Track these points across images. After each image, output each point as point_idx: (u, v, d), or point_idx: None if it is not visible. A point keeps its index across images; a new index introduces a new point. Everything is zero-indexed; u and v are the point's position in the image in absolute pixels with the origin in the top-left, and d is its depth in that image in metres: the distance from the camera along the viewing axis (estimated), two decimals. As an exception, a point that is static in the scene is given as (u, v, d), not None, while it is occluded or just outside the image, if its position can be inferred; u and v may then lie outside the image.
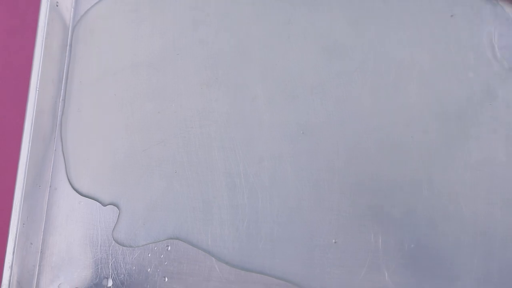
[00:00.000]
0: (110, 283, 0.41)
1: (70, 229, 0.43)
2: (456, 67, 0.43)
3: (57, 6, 0.45)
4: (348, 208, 0.42)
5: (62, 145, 0.44)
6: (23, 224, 0.41)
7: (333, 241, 0.41)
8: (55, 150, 0.44)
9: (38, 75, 0.42)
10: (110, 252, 0.42)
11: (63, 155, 0.44)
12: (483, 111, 0.42)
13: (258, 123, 0.43)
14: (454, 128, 0.42)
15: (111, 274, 0.41)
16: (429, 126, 0.42)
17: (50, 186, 0.43)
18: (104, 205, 0.43)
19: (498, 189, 0.41)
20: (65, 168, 0.44)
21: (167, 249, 0.42)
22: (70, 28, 0.46)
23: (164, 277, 0.41)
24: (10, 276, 0.39)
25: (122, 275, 0.41)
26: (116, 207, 0.43)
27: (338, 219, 0.42)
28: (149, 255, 0.42)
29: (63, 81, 0.45)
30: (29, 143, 0.41)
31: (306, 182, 0.42)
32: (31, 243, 0.41)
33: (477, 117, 0.42)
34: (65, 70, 0.45)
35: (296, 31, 0.45)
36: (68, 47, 0.46)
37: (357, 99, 0.43)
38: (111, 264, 0.42)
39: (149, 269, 0.41)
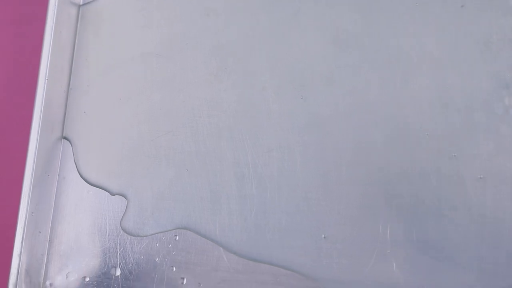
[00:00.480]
0: (118, 272, 0.41)
1: (78, 218, 0.43)
2: (465, 57, 0.43)
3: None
4: (356, 198, 0.42)
5: (70, 134, 0.44)
6: (32, 212, 0.41)
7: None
8: (64, 139, 0.44)
9: (47, 64, 0.42)
10: (119, 241, 0.42)
11: (71, 144, 0.44)
12: (493, 102, 0.42)
13: (267, 114, 0.43)
14: (463, 119, 0.42)
15: (119, 263, 0.42)
16: (438, 117, 0.42)
17: (58, 175, 0.43)
18: (112, 194, 0.43)
19: (507, 180, 0.41)
20: (73, 157, 0.44)
21: (175, 239, 0.42)
22: (79, 17, 0.46)
23: (172, 266, 0.41)
24: (18, 265, 0.40)
25: (130, 264, 0.41)
26: (124, 197, 0.43)
27: (346, 209, 0.42)
28: (157, 244, 0.42)
29: (72, 70, 0.45)
30: (38, 132, 0.41)
31: (314, 173, 0.42)
32: (40, 232, 0.42)
33: (486, 108, 0.42)
34: (73, 60, 0.45)
35: (305, 22, 0.45)
36: (77, 36, 0.46)
37: (366, 90, 0.43)
38: (119, 254, 0.42)
39: (157, 259, 0.41)
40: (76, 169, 0.43)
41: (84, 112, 0.45)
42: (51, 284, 0.42)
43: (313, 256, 0.41)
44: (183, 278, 0.41)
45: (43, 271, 0.42)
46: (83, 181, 0.43)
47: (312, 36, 0.45)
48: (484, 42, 0.43)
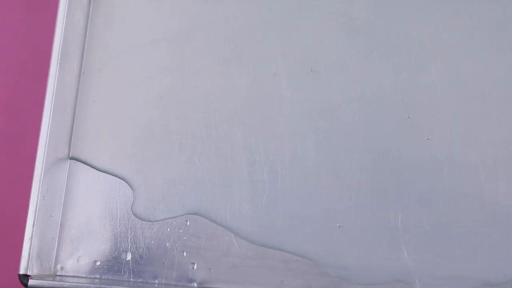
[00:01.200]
0: (129, 257, 0.41)
1: (89, 202, 0.43)
2: (478, 45, 0.43)
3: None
4: (367, 185, 0.42)
5: (81, 119, 0.44)
6: (43, 196, 0.41)
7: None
8: (75, 123, 0.44)
9: (59, 49, 0.42)
10: (129, 226, 0.42)
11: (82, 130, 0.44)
12: (505, 90, 0.42)
13: (279, 100, 0.43)
14: (476, 107, 0.42)
15: (130, 248, 0.42)
16: (451, 105, 0.42)
17: (70, 159, 0.43)
18: (123, 179, 0.43)
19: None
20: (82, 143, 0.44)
21: (186, 224, 0.42)
22: (91, 2, 0.46)
23: (183, 251, 0.41)
24: (30, 248, 0.40)
25: (141, 249, 0.41)
26: (135, 182, 0.43)
27: (357, 196, 0.41)
28: (168, 229, 0.42)
29: (84, 55, 0.45)
30: (50, 115, 0.41)
31: (325, 159, 0.42)
32: (51, 216, 0.42)
33: (499, 96, 0.42)
34: (86, 44, 0.45)
35: (317, 8, 0.45)
36: (89, 21, 0.46)
37: (378, 76, 0.43)
38: (130, 238, 0.42)
39: (167, 244, 0.41)
40: (87, 155, 0.44)
41: (93, 101, 0.45)
42: (62, 268, 0.42)
43: (323, 243, 0.41)
44: (193, 263, 0.41)
45: (54, 255, 0.42)
46: (94, 165, 0.43)
47: (324, 22, 0.45)
48: (497, 30, 0.43)
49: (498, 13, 0.43)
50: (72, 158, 0.43)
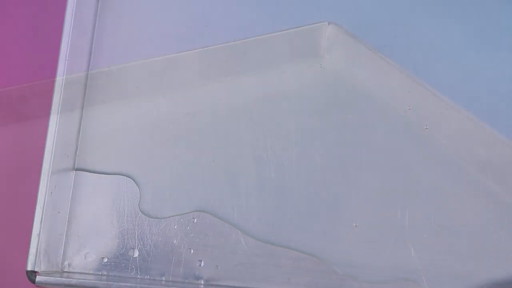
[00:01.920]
0: (136, 254, 0.41)
1: (97, 199, 0.43)
2: (487, 43, 0.43)
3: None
4: (375, 183, 0.42)
5: (89, 116, 0.44)
6: (51, 193, 0.41)
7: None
8: (83, 120, 0.44)
9: (67, 45, 0.42)
10: (137, 223, 0.42)
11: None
12: (514, 89, 0.42)
13: (286, 97, 0.43)
14: (484, 106, 0.42)
15: (137, 245, 0.42)
16: (459, 103, 0.42)
17: (77, 156, 0.43)
18: (130, 177, 0.43)
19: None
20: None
21: (193, 221, 0.42)
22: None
23: (190, 249, 0.41)
24: (37, 244, 0.40)
25: (148, 246, 0.42)
26: (142, 179, 0.43)
27: (365, 194, 0.41)
28: (175, 226, 0.42)
29: (92, 51, 0.45)
30: (58, 113, 0.41)
31: (333, 157, 0.42)
32: (59, 212, 0.42)
33: (507, 95, 0.42)
34: (94, 40, 0.45)
35: (324, 6, 0.45)
36: (97, 16, 0.46)
37: (386, 73, 0.43)
38: (137, 235, 0.42)
39: (175, 241, 0.41)
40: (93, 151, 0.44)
41: (102, 100, 0.45)
42: (69, 264, 0.42)
43: (330, 241, 0.41)
44: (200, 261, 0.41)
45: (61, 251, 0.42)
46: (101, 163, 0.43)
47: (331, 20, 0.44)
48: (506, 27, 0.43)
49: (507, 11, 0.43)
50: (79, 156, 0.43)
